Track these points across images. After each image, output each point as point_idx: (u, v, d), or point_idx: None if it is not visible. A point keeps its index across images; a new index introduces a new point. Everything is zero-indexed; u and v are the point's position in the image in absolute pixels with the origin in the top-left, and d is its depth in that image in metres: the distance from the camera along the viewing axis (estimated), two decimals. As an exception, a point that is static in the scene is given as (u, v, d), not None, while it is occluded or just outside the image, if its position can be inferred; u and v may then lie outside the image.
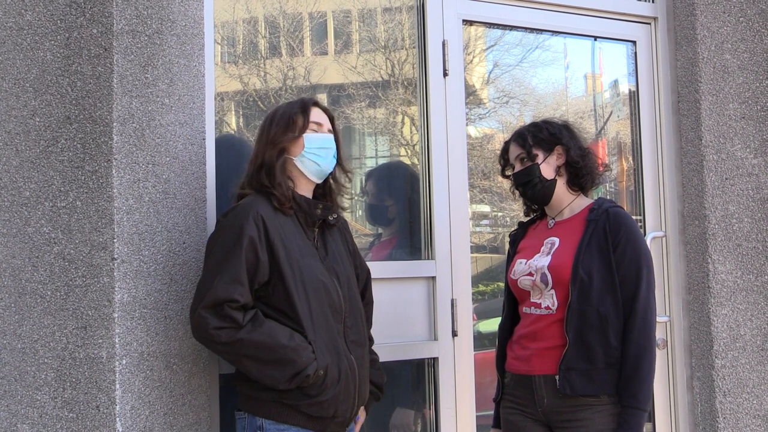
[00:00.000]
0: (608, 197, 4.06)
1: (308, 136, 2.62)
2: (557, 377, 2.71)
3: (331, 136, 2.69)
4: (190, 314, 2.45)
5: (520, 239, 3.02)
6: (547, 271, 2.78)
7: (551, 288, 2.77)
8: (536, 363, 2.77)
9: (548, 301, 2.79)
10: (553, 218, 2.93)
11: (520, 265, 2.89)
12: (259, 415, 2.50)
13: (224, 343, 2.40)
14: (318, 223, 2.65)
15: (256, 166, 2.60)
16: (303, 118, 2.62)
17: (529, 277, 2.83)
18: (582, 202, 2.91)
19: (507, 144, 2.99)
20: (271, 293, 2.49)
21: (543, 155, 2.88)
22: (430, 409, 3.42)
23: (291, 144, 2.61)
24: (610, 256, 2.73)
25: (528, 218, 3.09)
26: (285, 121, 2.61)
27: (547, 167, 2.88)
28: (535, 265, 2.83)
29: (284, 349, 2.42)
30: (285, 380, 2.42)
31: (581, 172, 2.88)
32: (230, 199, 2.71)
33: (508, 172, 3.00)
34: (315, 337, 2.49)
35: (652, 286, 2.76)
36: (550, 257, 2.81)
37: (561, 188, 2.90)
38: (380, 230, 3.62)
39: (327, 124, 2.69)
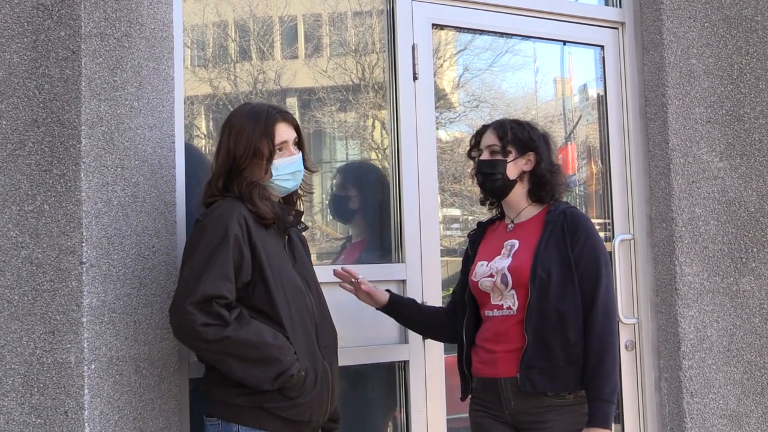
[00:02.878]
0: (577, 200, 4.11)
1: (276, 164, 2.58)
2: (518, 376, 2.73)
3: (299, 155, 2.64)
4: (173, 311, 2.39)
5: (479, 240, 3.04)
6: (507, 272, 2.81)
7: (511, 289, 2.80)
8: (501, 366, 2.79)
9: (509, 301, 2.81)
10: (512, 221, 2.96)
11: (481, 267, 2.91)
12: (234, 421, 2.47)
13: (210, 341, 2.35)
14: (287, 230, 2.65)
15: (221, 188, 2.55)
16: (268, 144, 2.55)
17: (489, 279, 2.86)
18: (538, 208, 2.95)
19: (485, 128, 2.99)
20: (251, 294, 2.47)
21: (514, 155, 2.89)
22: (400, 412, 3.42)
23: (258, 171, 2.56)
24: (568, 255, 2.77)
25: (486, 219, 3.11)
26: (251, 149, 2.54)
27: (514, 168, 2.89)
28: (496, 266, 2.85)
29: (270, 348, 2.40)
30: (269, 380, 2.40)
31: (545, 186, 2.91)
32: (198, 209, 2.67)
33: (474, 154, 3.00)
34: (295, 340, 2.48)
35: (611, 283, 2.81)
36: (510, 259, 2.84)
37: (519, 192, 2.93)
38: (350, 232, 3.62)
39: (292, 137, 2.63)
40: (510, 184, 2.90)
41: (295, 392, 2.46)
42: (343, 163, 3.76)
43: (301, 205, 2.77)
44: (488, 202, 3.06)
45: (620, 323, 3.78)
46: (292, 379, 2.43)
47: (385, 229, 3.51)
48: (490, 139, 2.93)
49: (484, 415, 2.86)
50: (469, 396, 2.95)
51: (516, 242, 2.88)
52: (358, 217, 3.57)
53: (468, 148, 3.05)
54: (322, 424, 2.64)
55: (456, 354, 3.01)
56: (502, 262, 2.85)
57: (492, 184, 2.92)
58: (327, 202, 3.64)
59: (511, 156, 2.89)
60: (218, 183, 2.56)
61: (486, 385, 2.85)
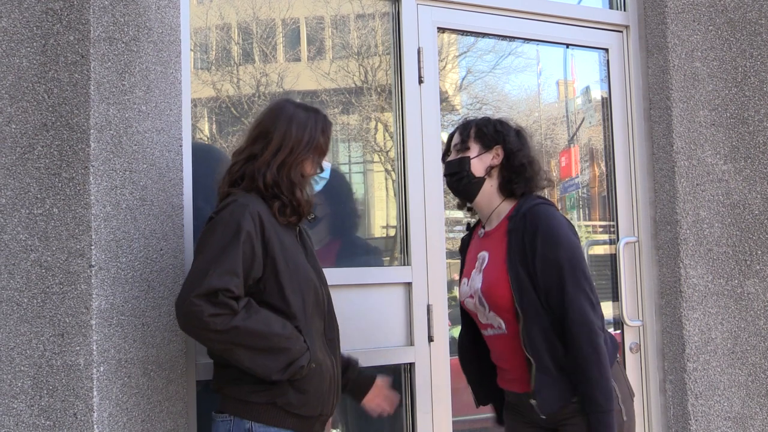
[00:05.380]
0: (580, 203, 4.11)
1: (325, 165, 2.66)
2: (534, 403, 2.66)
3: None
4: (179, 304, 2.33)
5: (467, 246, 2.92)
6: (481, 296, 2.70)
7: (490, 311, 2.71)
8: (517, 383, 2.75)
9: (496, 321, 2.72)
10: (484, 227, 2.83)
11: (463, 286, 2.82)
12: (247, 417, 2.45)
13: (219, 331, 2.32)
14: (299, 223, 2.65)
15: (274, 176, 2.51)
16: (325, 143, 2.62)
17: (471, 299, 2.77)
18: (508, 207, 2.77)
19: (454, 131, 2.88)
20: (263, 289, 2.45)
21: (478, 150, 2.76)
22: (406, 414, 3.42)
23: (309, 165, 2.60)
24: (532, 268, 2.59)
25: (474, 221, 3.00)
26: (314, 142, 2.59)
27: (479, 164, 2.76)
28: (474, 286, 2.75)
29: (279, 338, 2.38)
30: (278, 370, 2.38)
31: (517, 179, 2.74)
32: (217, 193, 2.62)
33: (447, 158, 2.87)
34: (308, 333, 2.48)
35: (580, 283, 2.57)
36: (481, 276, 2.72)
37: (489, 190, 2.77)
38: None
39: None
40: (477, 182, 2.75)
41: (306, 384, 2.45)
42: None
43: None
44: (465, 207, 2.93)
45: (625, 325, 3.80)
46: (303, 370, 2.42)
47: (390, 233, 3.52)
48: (455, 138, 2.83)
49: (520, 420, 2.83)
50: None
51: (486, 255, 2.75)
52: (322, 225, 3.48)
53: (441, 154, 2.91)
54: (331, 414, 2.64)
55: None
56: (476, 281, 2.74)
57: (458, 184, 2.78)
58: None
59: (474, 151, 2.76)
60: (266, 171, 2.51)
61: (514, 397, 2.81)
